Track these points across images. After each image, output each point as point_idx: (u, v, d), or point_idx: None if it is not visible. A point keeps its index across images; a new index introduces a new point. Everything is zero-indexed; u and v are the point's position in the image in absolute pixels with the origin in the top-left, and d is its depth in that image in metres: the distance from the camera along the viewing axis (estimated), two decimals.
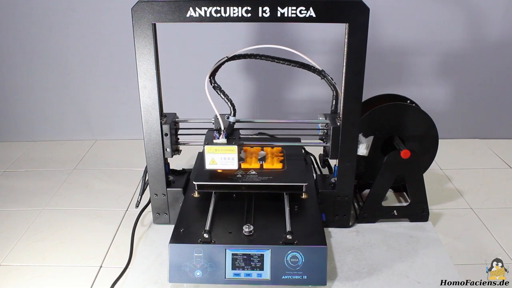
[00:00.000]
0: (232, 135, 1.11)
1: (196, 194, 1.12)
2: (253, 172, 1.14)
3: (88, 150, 1.75)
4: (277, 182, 1.10)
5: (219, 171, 1.14)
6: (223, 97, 1.11)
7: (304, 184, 1.10)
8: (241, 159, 1.19)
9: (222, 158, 1.08)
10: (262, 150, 1.25)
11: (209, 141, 1.09)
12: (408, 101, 1.26)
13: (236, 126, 1.17)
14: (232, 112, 1.12)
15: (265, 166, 1.17)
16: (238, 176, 1.12)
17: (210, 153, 1.08)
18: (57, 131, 1.82)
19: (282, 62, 1.14)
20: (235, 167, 1.09)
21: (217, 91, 1.11)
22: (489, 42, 1.66)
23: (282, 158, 1.21)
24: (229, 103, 1.11)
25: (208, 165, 1.09)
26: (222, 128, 1.10)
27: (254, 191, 1.11)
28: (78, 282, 1.06)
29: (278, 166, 1.16)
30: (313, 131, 1.19)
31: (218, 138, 1.08)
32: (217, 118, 1.11)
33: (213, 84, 1.11)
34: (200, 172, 1.14)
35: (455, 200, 1.38)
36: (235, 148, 1.08)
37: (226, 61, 1.12)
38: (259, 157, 1.20)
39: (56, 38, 1.67)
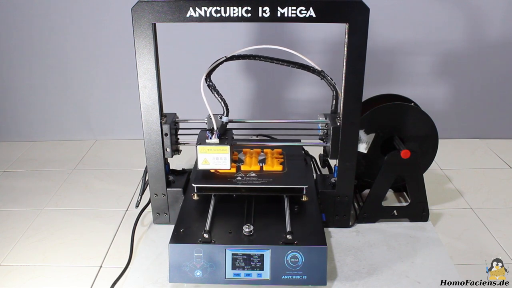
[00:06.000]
0: (225, 135, 1.11)
1: (195, 197, 1.12)
2: (253, 174, 1.14)
3: (88, 150, 1.75)
4: (277, 185, 1.10)
5: (217, 172, 1.14)
6: (216, 96, 1.10)
7: (304, 186, 1.09)
8: (240, 161, 1.19)
9: (215, 158, 1.08)
10: (262, 151, 1.24)
11: (201, 141, 1.09)
12: (412, 103, 1.25)
13: (236, 126, 1.17)
14: (225, 112, 1.12)
15: (265, 168, 1.16)
16: (238, 178, 1.12)
17: (203, 153, 1.08)
18: (57, 131, 1.82)
19: (281, 63, 1.14)
20: (228, 167, 1.09)
21: (211, 90, 1.10)
22: (489, 42, 1.66)
23: (282, 160, 1.21)
24: (222, 102, 1.11)
25: (201, 165, 1.09)
26: (215, 128, 1.10)
27: (254, 193, 1.11)
28: (78, 282, 1.06)
29: (278, 168, 1.16)
30: (313, 131, 1.19)
31: (210, 138, 1.08)
32: (210, 118, 1.11)
33: (208, 83, 1.10)
34: (199, 174, 1.14)
35: (455, 200, 1.38)
36: (227, 148, 1.07)
37: (224, 61, 1.12)
38: (259, 159, 1.20)
39: (56, 38, 1.67)
